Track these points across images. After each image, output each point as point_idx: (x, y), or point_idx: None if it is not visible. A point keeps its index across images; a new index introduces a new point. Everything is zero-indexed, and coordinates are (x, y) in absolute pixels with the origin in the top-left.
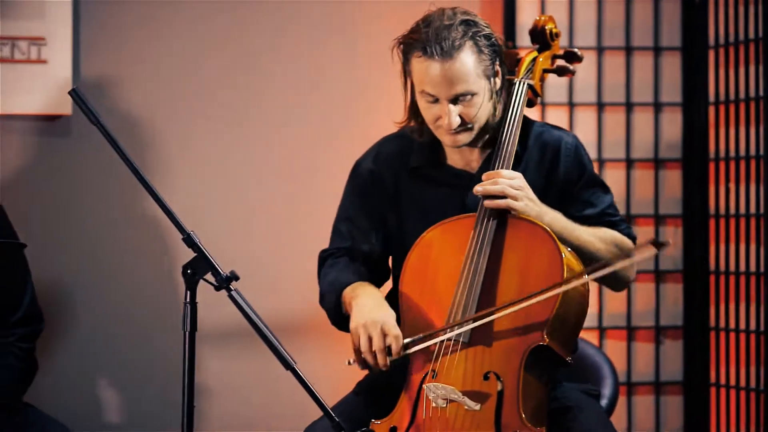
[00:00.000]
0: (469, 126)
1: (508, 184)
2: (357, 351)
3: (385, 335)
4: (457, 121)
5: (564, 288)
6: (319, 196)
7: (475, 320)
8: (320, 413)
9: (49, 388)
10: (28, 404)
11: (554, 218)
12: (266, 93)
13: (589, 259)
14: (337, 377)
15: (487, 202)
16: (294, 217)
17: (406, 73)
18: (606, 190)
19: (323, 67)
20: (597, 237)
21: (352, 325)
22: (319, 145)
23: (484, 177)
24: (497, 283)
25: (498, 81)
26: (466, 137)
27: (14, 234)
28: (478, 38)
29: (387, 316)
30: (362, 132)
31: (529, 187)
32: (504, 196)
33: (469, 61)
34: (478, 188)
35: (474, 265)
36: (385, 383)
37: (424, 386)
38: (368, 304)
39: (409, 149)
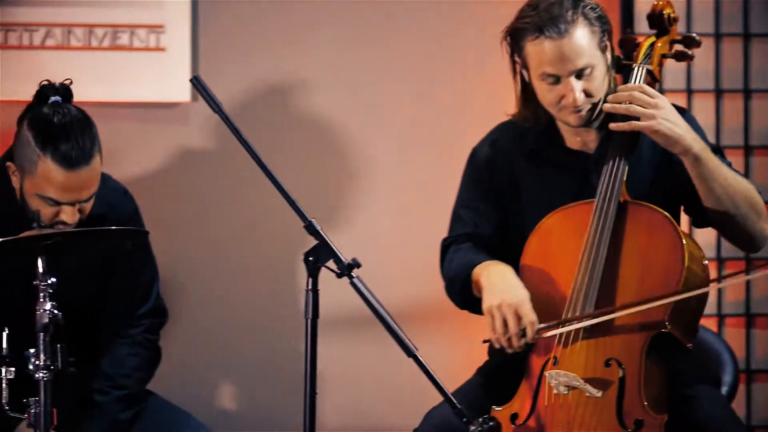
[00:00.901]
0: (594, 100)
1: (639, 97)
2: (493, 331)
3: (519, 318)
4: (581, 96)
5: (692, 294)
6: (438, 183)
7: (609, 312)
8: (440, 399)
9: (168, 376)
10: (150, 392)
11: (703, 148)
12: (391, 86)
13: (722, 204)
14: (456, 364)
15: (612, 125)
16: (414, 204)
17: (517, 62)
18: (725, 159)
19: (444, 58)
20: (738, 185)
21: (485, 306)
22: (439, 134)
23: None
24: (618, 270)
25: (609, 55)
26: (589, 114)
27: (143, 225)
28: (587, 11)
29: (522, 297)
30: (480, 120)
31: (671, 107)
32: (634, 118)
33: (584, 34)
34: (606, 105)
35: (594, 252)
36: (506, 369)
37: (545, 373)
38: (501, 283)
39: (525, 134)
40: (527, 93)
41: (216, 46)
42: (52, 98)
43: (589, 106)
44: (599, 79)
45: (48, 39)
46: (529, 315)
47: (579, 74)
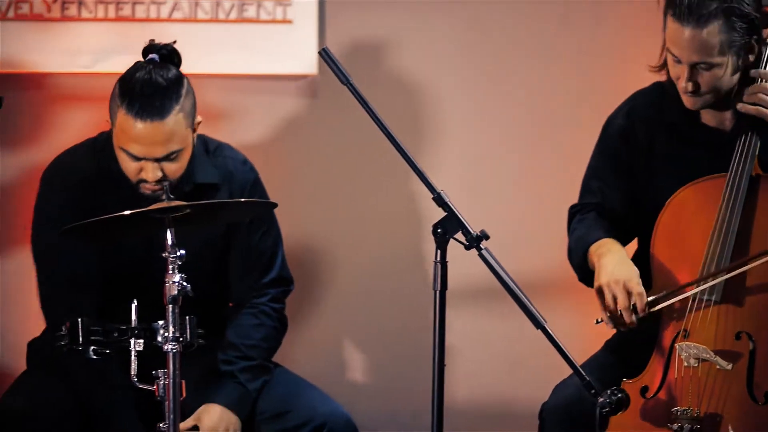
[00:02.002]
0: (704, 93)
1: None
2: (604, 310)
3: (629, 293)
4: (689, 86)
5: None
6: (565, 152)
7: (719, 274)
8: (569, 372)
9: (296, 348)
10: (278, 364)
11: None
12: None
13: None
14: (585, 336)
15: (740, 105)
16: (543, 174)
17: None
18: None
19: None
20: None
21: (596, 284)
22: (571, 100)
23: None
24: (749, 243)
25: (751, 57)
26: (699, 102)
27: (265, 194)
28: (733, 17)
29: (631, 273)
30: (615, 87)
31: None
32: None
33: (715, 35)
34: (738, 105)
35: (726, 226)
36: (635, 342)
37: (676, 345)
38: (612, 262)
39: (662, 105)
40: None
41: (342, 18)
42: (150, 55)
43: (700, 97)
44: (716, 77)
45: (175, 12)
46: (637, 288)
47: (694, 66)
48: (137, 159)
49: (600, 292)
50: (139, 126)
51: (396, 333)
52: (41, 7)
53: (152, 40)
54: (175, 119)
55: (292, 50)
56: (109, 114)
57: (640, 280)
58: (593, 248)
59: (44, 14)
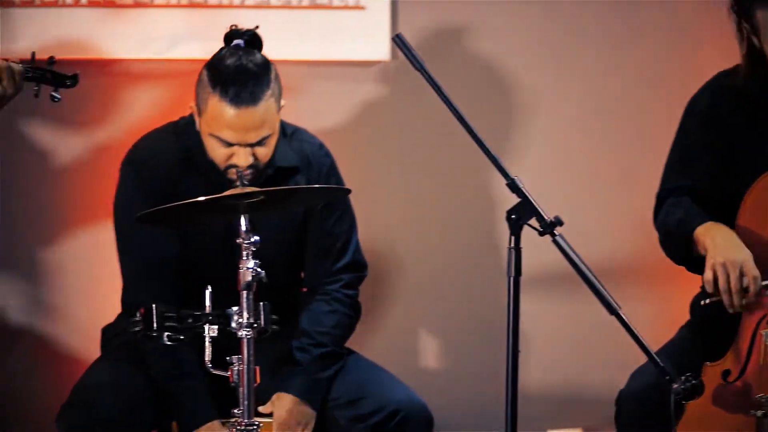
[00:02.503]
0: None
1: None
2: (711, 291)
3: (743, 276)
4: None
5: None
6: (643, 139)
7: None
8: (645, 358)
9: (369, 335)
10: (351, 350)
11: None
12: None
13: None
14: (660, 322)
15: None
16: (617, 159)
17: (745, 27)
18: None
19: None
20: None
21: (710, 262)
22: (650, 87)
23: None
24: None
25: None
26: None
27: (341, 180)
28: None
29: (746, 255)
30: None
31: None
32: None
33: None
34: None
35: None
36: (716, 326)
37: (761, 332)
38: (726, 243)
39: (743, 90)
40: (753, 57)
41: (414, 3)
42: (235, 41)
43: None
44: None
45: None
46: (753, 271)
47: None
48: (229, 145)
49: (713, 272)
50: (233, 112)
51: (469, 319)
52: None
53: (234, 26)
54: (267, 104)
55: (365, 36)
56: (196, 101)
57: (753, 263)
58: (701, 230)
59: (117, 1)
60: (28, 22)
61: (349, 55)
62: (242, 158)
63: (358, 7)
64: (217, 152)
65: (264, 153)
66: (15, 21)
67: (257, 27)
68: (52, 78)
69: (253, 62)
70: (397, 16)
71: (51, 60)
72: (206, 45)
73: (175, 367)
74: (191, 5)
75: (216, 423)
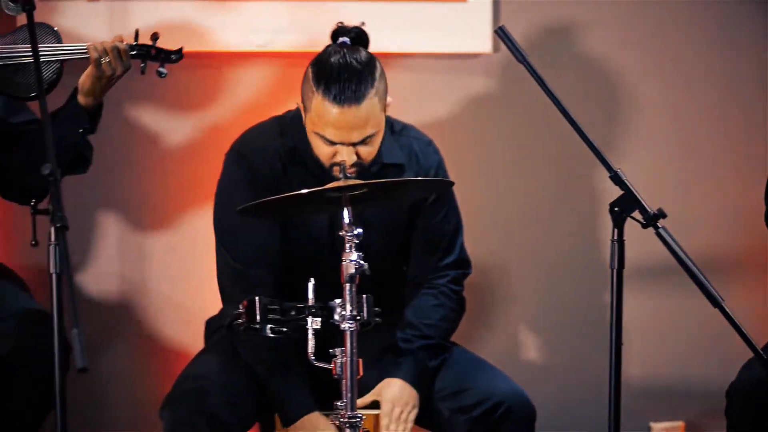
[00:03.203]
0: None
1: None
2: None
3: None
4: None
5: None
6: (749, 131)
7: None
8: (750, 353)
9: (472, 328)
10: (455, 343)
11: None
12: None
13: None
14: (764, 315)
15: None
16: (721, 150)
17: None
18: None
19: None
20: None
21: None
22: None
23: None
24: None
25: None
26: None
27: (448, 177)
28: None
29: None
30: None
31: None
32: None
33: None
34: None
35: None
36: None
37: None
38: None
39: None
40: None
41: None
42: (341, 39)
43: None
44: None
45: None
46: None
47: None
48: (332, 143)
49: None
50: (336, 111)
51: (570, 312)
52: None
53: (340, 23)
54: (371, 103)
55: (467, 28)
56: (302, 98)
57: None
58: None
59: None
60: (134, 14)
61: (451, 48)
62: (346, 157)
63: (461, 0)
64: (321, 150)
65: (368, 152)
66: (122, 12)
67: (363, 23)
68: (157, 54)
69: (357, 60)
70: (499, 8)
71: (155, 36)
72: (309, 38)
73: (277, 360)
74: None
75: (316, 415)
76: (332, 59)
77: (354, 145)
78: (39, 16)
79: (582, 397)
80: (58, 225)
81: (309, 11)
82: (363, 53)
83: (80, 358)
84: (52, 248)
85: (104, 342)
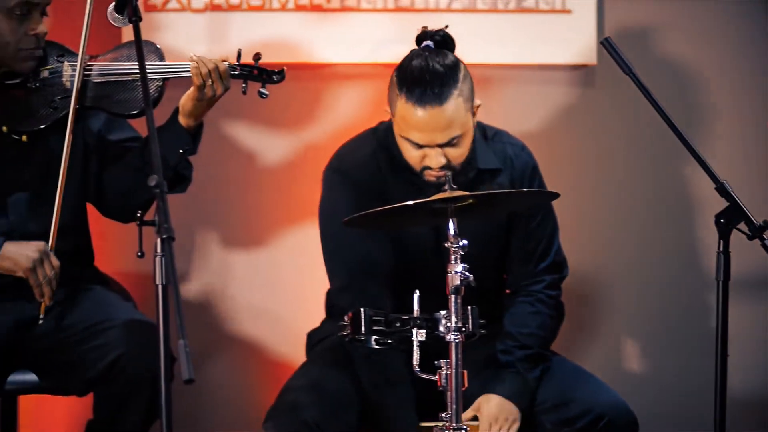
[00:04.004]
0: None
1: None
2: None
3: None
4: None
5: None
6: None
7: None
8: None
9: (572, 337)
10: (554, 352)
11: None
12: None
13: None
14: None
15: None
16: None
17: None
18: None
19: None
20: None
21: None
22: None
23: None
24: None
25: None
26: None
27: (543, 181)
28: None
29: None
30: None
31: None
32: None
33: None
34: None
35: None
36: None
37: None
38: None
39: None
40: None
41: (621, 7)
42: (424, 43)
43: None
44: None
45: (454, 2)
46: None
47: None
48: (420, 147)
49: None
50: (420, 113)
51: (672, 322)
52: None
53: (425, 27)
54: (455, 104)
55: (571, 40)
56: (389, 104)
57: None
58: None
59: (324, 5)
60: (235, 26)
61: (554, 59)
62: (434, 160)
63: (565, 11)
64: (410, 154)
65: (456, 154)
66: (223, 25)
67: (447, 26)
68: (258, 74)
69: (440, 62)
70: (603, 19)
71: (257, 57)
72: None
73: (382, 373)
74: (397, 9)
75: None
76: (414, 62)
77: (441, 146)
78: (141, 27)
79: (685, 408)
80: (164, 236)
81: (413, 22)
82: (446, 55)
83: (186, 369)
84: (158, 259)
85: (208, 354)
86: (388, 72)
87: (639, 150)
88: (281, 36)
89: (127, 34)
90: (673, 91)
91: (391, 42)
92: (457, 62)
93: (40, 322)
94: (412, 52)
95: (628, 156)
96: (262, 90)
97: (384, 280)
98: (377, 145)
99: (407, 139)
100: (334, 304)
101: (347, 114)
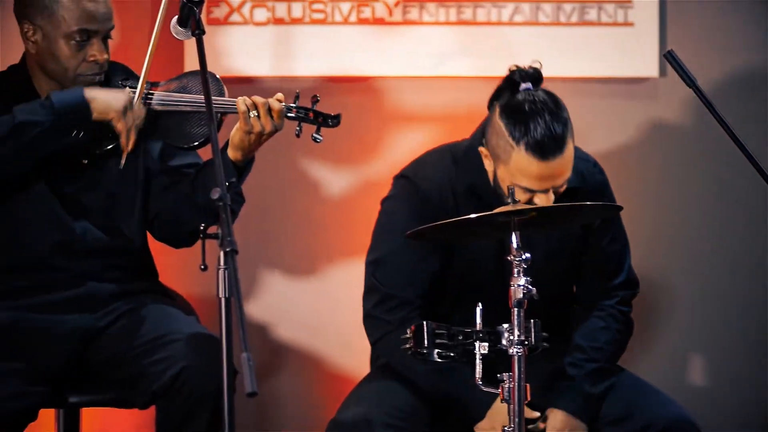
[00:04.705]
0: None
1: None
2: None
3: None
4: None
5: None
6: None
7: None
8: None
9: (637, 351)
10: (621, 367)
11: None
12: None
13: None
14: None
15: None
16: None
17: None
18: None
19: None
20: None
21: None
22: None
23: None
24: None
25: None
26: None
27: (613, 198)
28: None
29: None
30: None
31: None
32: None
33: None
34: None
35: None
36: None
37: None
38: None
39: None
40: None
41: (684, 20)
42: (523, 85)
43: None
44: None
45: (516, 15)
46: None
47: None
48: (532, 192)
49: None
50: (542, 165)
51: (736, 334)
52: (383, 11)
53: (515, 66)
54: (569, 147)
55: (634, 53)
56: (489, 146)
57: None
58: None
59: (386, 18)
60: (297, 40)
61: (616, 72)
62: (545, 201)
63: (627, 24)
64: (519, 197)
65: (563, 189)
66: (285, 38)
67: (538, 63)
68: (314, 118)
69: (550, 110)
70: (666, 31)
71: (315, 99)
72: (476, 62)
73: (444, 384)
74: (460, 22)
75: None
76: (527, 109)
77: (554, 188)
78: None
79: (748, 422)
80: (227, 249)
81: (477, 35)
82: (551, 98)
83: (250, 383)
84: (221, 272)
85: (270, 367)
86: (451, 85)
87: (702, 163)
88: (343, 49)
89: (190, 48)
90: (737, 104)
91: (453, 55)
92: (560, 102)
93: (121, 167)
94: (519, 97)
95: (690, 169)
96: (316, 135)
97: (426, 294)
98: (453, 165)
99: (521, 187)
100: (368, 310)
101: (411, 128)
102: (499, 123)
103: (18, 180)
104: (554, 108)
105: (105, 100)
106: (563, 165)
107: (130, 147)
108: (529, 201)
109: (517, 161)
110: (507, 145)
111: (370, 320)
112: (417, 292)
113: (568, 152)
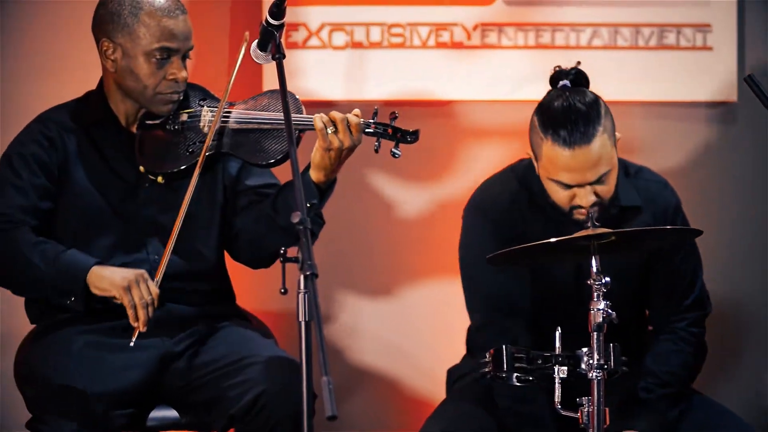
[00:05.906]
0: None
1: None
2: None
3: None
4: None
5: None
6: None
7: None
8: None
9: (710, 374)
10: (695, 390)
11: None
12: None
13: None
14: None
15: None
16: None
17: None
18: None
19: None
20: None
21: None
22: None
23: None
24: None
25: None
26: None
27: (686, 219)
28: None
29: None
30: None
31: None
32: None
33: None
34: None
35: None
36: None
37: None
38: None
39: None
40: None
41: (762, 44)
42: (561, 83)
43: None
44: None
45: (595, 39)
46: None
47: None
48: (569, 187)
49: None
50: (568, 154)
51: None
52: (461, 35)
53: (558, 66)
54: (601, 141)
55: (712, 76)
56: (531, 146)
57: None
58: None
59: (464, 42)
60: (374, 64)
61: (695, 96)
62: (584, 199)
63: (706, 48)
64: (558, 195)
65: (605, 190)
66: (362, 62)
67: (579, 63)
68: (393, 134)
69: (580, 101)
70: (744, 55)
71: (393, 116)
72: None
73: (524, 410)
74: (538, 46)
75: None
76: (556, 103)
77: (590, 184)
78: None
79: None
80: (308, 273)
81: (553, 59)
82: (584, 93)
83: (330, 407)
84: (301, 296)
85: (347, 391)
86: (529, 109)
87: (748, 183)
88: (421, 73)
89: (269, 71)
90: None
91: (531, 79)
92: (596, 98)
93: (131, 345)
94: (550, 93)
95: (735, 188)
96: (394, 150)
97: (524, 317)
98: (517, 183)
99: (555, 181)
100: (474, 340)
101: (487, 151)
102: (533, 119)
103: (91, 205)
104: (587, 102)
105: (108, 277)
106: (593, 156)
107: (141, 326)
108: (572, 201)
109: (547, 153)
110: (538, 139)
111: (476, 355)
112: (518, 318)
113: (599, 144)
